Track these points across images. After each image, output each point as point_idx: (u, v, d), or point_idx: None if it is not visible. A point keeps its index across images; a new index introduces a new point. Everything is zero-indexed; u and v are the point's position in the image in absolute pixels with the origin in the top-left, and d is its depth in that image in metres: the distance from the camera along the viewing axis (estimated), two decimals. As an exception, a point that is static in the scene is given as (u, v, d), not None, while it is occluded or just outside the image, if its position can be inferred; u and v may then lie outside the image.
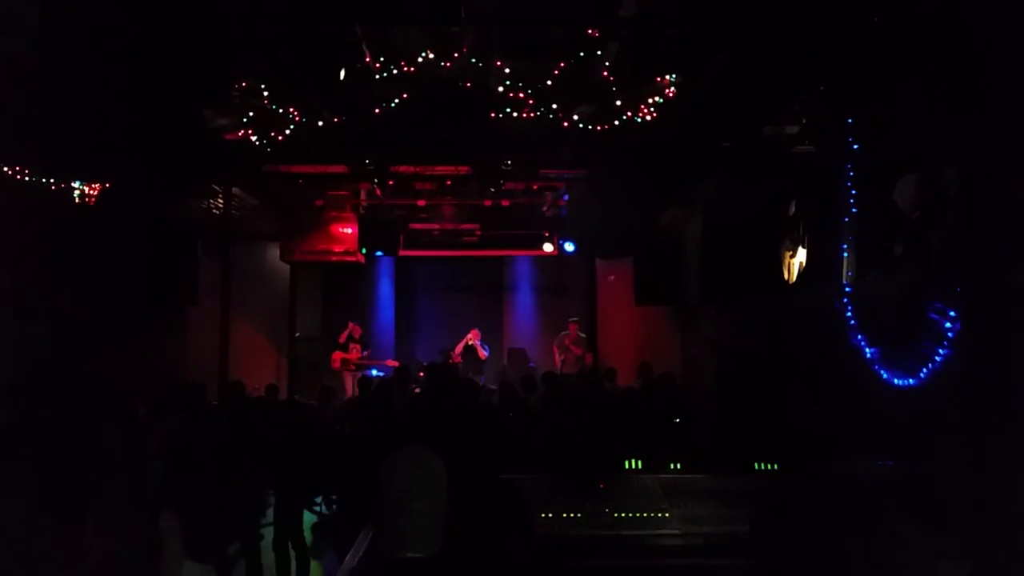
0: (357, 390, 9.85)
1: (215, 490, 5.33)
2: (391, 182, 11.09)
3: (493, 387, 10.26)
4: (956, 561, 3.25)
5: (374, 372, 12.80)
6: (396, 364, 12.23)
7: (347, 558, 3.70)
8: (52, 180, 8.18)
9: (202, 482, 5.28)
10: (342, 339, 13.62)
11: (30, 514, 4.22)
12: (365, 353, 13.73)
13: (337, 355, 13.45)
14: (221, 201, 10.22)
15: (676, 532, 4.24)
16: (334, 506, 7.89)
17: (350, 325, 13.78)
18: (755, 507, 1.64)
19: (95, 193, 8.53)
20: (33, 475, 4.46)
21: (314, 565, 6.62)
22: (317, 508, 7.80)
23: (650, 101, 8.23)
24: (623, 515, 4.35)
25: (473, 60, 8.21)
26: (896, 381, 5.12)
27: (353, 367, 13.27)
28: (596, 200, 9.16)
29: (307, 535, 6.78)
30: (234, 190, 10.27)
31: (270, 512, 6.68)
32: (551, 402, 7.53)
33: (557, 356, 13.39)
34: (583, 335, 13.38)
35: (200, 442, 5.64)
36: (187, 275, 9.61)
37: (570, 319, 13.58)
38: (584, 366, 12.86)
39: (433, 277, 15.91)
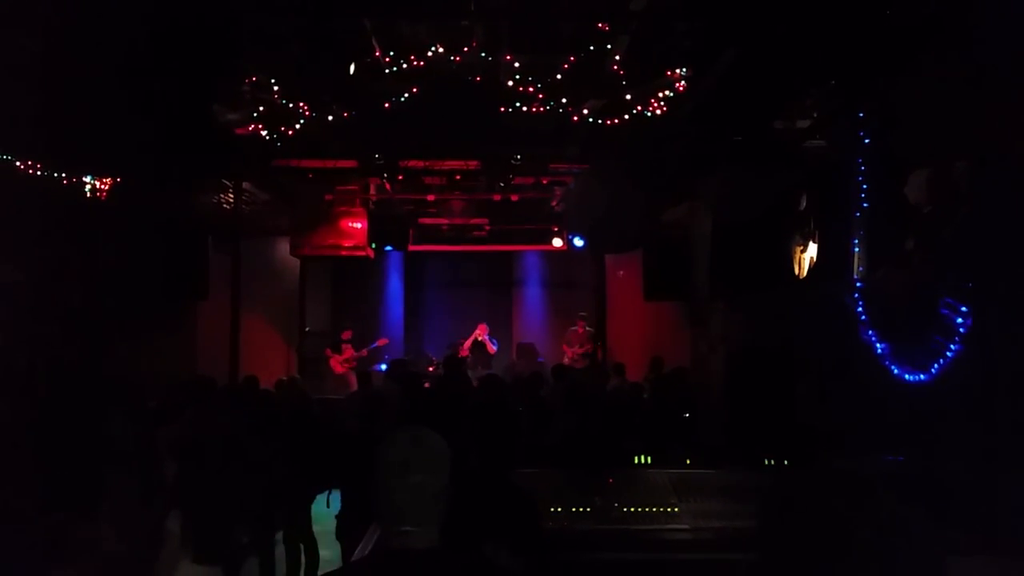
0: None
1: (228, 486, 5.33)
2: (400, 177, 11.09)
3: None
4: (968, 557, 3.23)
5: (382, 367, 12.81)
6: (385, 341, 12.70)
7: (357, 551, 3.70)
8: (63, 175, 8.22)
9: (214, 478, 5.28)
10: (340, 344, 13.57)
11: (40, 508, 4.24)
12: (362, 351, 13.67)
13: (334, 359, 13.38)
14: (231, 196, 10.26)
15: (685, 527, 4.24)
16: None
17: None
18: (763, 502, 1.63)
19: (106, 188, 8.57)
20: (44, 469, 4.49)
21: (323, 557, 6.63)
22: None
23: (660, 95, 8.19)
24: (632, 509, 4.35)
25: (483, 54, 8.19)
26: (907, 377, 5.10)
27: (346, 366, 13.17)
28: (605, 194, 9.13)
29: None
30: (244, 185, 10.32)
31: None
32: (562, 396, 7.52)
33: (567, 352, 13.39)
34: (590, 330, 13.37)
35: (212, 437, 5.63)
36: (197, 269, 9.62)
37: (579, 315, 13.57)
38: (594, 361, 12.86)
39: (442, 272, 15.94)
